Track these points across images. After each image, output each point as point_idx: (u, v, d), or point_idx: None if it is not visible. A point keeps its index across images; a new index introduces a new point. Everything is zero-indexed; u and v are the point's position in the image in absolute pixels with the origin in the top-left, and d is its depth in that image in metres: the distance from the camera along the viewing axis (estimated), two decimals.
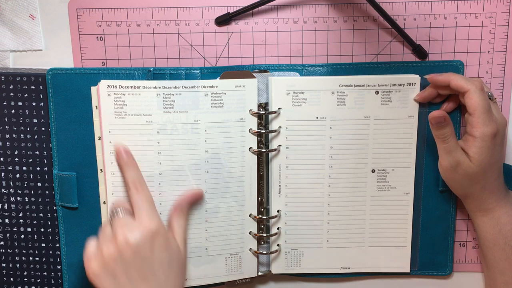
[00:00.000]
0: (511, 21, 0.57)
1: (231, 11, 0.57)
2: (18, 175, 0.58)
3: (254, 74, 0.56)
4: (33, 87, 0.56)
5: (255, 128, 0.56)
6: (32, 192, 0.58)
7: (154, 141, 0.55)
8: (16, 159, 0.57)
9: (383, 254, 0.60)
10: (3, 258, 0.59)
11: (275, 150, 0.57)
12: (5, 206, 0.58)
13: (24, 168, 0.58)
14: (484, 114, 0.51)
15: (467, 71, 0.58)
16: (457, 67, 0.57)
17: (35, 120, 0.57)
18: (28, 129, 0.57)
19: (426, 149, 0.58)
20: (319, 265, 0.60)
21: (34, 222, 0.59)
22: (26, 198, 0.58)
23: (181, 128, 0.55)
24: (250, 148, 0.57)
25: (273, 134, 0.57)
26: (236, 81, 0.55)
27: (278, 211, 0.59)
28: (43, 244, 0.59)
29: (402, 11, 0.57)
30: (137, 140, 0.55)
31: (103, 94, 0.54)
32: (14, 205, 0.58)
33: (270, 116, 0.57)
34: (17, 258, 0.59)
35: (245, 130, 0.56)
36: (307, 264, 0.60)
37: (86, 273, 0.49)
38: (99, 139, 0.56)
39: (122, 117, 0.54)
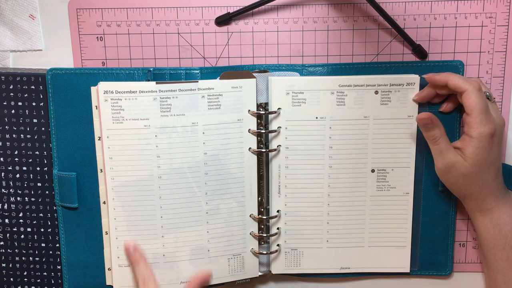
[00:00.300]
0: (511, 21, 0.57)
1: (231, 11, 0.57)
2: (18, 175, 0.58)
3: (254, 74, 0.56)
4: (33, 87, 0.56)
5: (254, 128, 0.56)
6: (32, 192, 0.58)
7: (153, 145, 0.55)
8: (16, 159, 0.57)
9: (383, 254, 0.60)
10: (3, 258, 0.59)
11: (275, 150, 0.57)
12: (5, 206, 0.58)
13: (24, 168, 0.58)
14: (481, 114, 0.50)
15: (467, 71, 0.58)
16: (457, 67, 0.57)
17: (35, 120, 0.57)
18: (28, 129, 0.57)
19: (426, 149, 0.57)
20: (319, 265, 0.60)
21: (34, 222, 0.59)
22: (26, 198, 0.58)
23: (179, 131, 0.55)
24: (250, 148, 0.57)
25: (273, 134, 0.57)
26: (233, 82, 0.55)
27: (278, 211, 0.59)
28: (43, 244, 0.59)
29: (402, 11, 0.57)
30: (135, 145, 0.55)
31: (101, 99, 0.54)
32: (14, 205, 0.58)
33: (270, 116, 0.57)
34: (17, 258, 0.59)
35: (244, 131, 0.56)
36: (307, 264, 0.60)
37: None
38: (99, 139, 0.56)
39: (120, 122, 0.54)
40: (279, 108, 0.56)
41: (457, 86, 0.52)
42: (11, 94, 0.56)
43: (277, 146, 0.57)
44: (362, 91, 0.56)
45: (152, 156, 0.55)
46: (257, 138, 0.57)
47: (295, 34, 0.58)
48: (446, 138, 0.53)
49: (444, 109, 0.57)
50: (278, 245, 0.59)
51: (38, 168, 0.58)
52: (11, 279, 0.59)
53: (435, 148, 0.53)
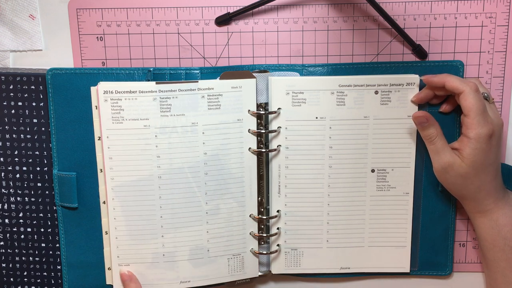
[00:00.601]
0: (511, 21, 0.57)
1: (231, 11, 0.57)
2: (18, 175, 0.58)
3: (254, 74, 0.56)
4: (33, 87, 0.56)
5: (254, 128, 0.56)
6: (32, 192, 0.58)
7: (153, 145, 0.55)
8: (16, 159, 0.57)
9: (383, 254, 0.60)
10: (3, 258, 0.59)
11: (275, 150, 0.57)
12: (5, 206, 0.58)
13: (24, 168, 0.58)
14: (478, 115, 0.50)
15: (467, 71, 0.58)
16: (457, 67, 0.57)
17: (35, 120, 0.57)
18: (28, 129, 0.57)
19: (426, 149, 0.57)
20: (319, 265, 0.60)
21: (34, 222, 0.59)
22: (26, 198, 0.58)
23: (179, 131, 0.55)
24: (250, 148, 0.57)
25: (272, 134, 0.57)
26: (233, 82, 0.55)
27: (278, 211, 0.59)
28: (43, 244, 0.59)
29: (402, 11, 0.57)
30: (135, 145, 0.55)
31: (101, 99, 0.54)
32: (14, 205, 0.58)
33: (270, 116, 0.57)
34: (17, 258, 0.59)
35: (243, 131, 0.56)
36: (307, 264, 0.60)
37: None
38: (99, 139, 0.56)
39: (120, 122, 0.54)
40: (279, 108, 0.56)
41: (454, 87, 0.52)
42: (11, 94, 0.56)
43: (277, 146, 0.57)
44: (362, 91, 0.56)
45: (152, 156, 0.55)
46: (257, 138, 0.57)
47: (295, 34, 0.58)
48: (443, 138, 0.53)
49: (443, 110, 0.57)
50: (278, 245, 0.60)
51: (38, 168, 0.58)
52: (11, 279, 0.59)
53: (432, 148, 0.54)
